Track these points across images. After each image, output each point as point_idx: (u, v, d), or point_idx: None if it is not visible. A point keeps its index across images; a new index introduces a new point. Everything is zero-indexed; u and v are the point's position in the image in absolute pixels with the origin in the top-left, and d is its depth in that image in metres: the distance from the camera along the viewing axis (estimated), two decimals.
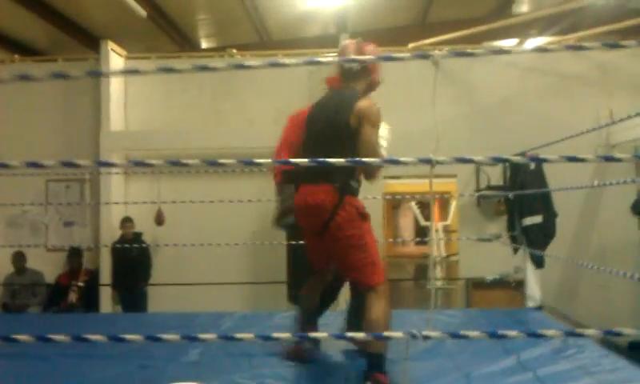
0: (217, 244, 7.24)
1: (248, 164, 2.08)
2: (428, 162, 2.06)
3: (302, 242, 4.44)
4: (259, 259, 9.08)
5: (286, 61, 2.40)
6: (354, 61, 3.82)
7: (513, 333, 1.93)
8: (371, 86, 4.01)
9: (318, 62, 3.78)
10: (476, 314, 5.71)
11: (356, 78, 3.85)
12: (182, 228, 8.75)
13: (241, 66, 2.48)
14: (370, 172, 3.68)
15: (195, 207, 7.49)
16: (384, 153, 3.88)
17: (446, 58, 2.14)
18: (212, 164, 2.20)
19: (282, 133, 4.43)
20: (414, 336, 1.84)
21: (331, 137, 3.62)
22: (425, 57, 2.14)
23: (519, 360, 3.88)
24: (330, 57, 8.52)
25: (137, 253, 8.20)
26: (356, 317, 3.85)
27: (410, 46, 9.32)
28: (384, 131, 4.00)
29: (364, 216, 3.65)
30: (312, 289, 4.18)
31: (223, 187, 8.39)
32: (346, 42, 4.02)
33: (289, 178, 4.12)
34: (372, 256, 3.59)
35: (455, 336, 1.92)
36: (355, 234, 3.57)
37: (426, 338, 1.83)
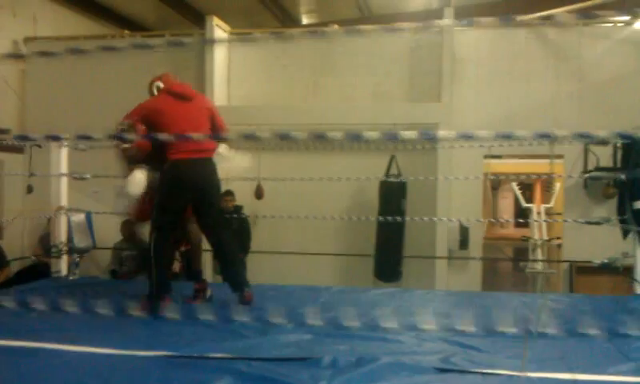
0: (313, 217, 7.35)
1: (355, 138, 2.03)
2: (546, 137, 1.93)
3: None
4: (352, 236, 9.13)
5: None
6: None
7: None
8: None
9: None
10: (581, 300, 5.48)
11: None
12: (280, 202, 8.88)
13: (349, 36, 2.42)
14: None
15: (292, 182, 7.58)
16: None
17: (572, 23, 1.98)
18: (319, 137, 2.18)
19: None
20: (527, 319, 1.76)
21: None
22: (549, 21, 1.99)
23: (623, 349, 3.70)
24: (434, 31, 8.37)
25: (237, 225, 8.39)
26: None
27: (518, 19, 8.98)
28: None
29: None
30: None
31: (319, 163, 8.46)
32: None
33: None
34: None
35: (568, 318, 1.82)
36: None
37: (540, 319, 1.74)
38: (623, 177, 6.11)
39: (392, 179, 8.38)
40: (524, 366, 2.61)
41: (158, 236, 4.85)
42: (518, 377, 3.11)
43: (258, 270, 8.85)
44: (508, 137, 1.93)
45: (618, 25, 8.83)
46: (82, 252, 6.22)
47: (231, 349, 3.68)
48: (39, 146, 6.20)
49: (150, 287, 4.81)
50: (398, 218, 7.79)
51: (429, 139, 4.56)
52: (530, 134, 1.96)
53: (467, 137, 2.12)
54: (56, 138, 2.36)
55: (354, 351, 3.62)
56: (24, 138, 2.27)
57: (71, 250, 6.10)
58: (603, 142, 7.32)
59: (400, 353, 3.64)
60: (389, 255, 8.41)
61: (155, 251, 4.84)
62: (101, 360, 3.52)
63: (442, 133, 2.20)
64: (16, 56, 6.13)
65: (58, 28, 10.26)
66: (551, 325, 4.03)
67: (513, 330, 4.01)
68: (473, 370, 3.32)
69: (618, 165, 7.61)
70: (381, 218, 7.94)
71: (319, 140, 2.28)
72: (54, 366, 3.41)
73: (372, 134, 2.04)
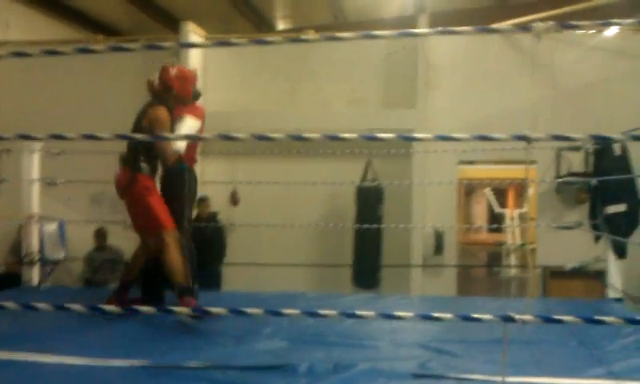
0: (290, 225, 7.33)
1: (332, 138, 2.02)
2: (524, 139, 1.94)
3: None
4: (327, 241, 9.13)
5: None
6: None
7: (610, 319, 1.82)
8: (178, 98, 4.92)
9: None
10: (554, 304, 5.55)
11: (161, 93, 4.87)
12: (256, 209, 8.85)
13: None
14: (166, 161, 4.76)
15: (269, 189, 7.57)
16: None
17: (548, 31, 2.00)
18: (297, 138, 2.16)
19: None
20: (510, 319, 1.77)
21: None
22: (526, 30, 2.02)
23: (595, 353, 3.75)
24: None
25: (211, 232, 8.33)
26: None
27: (493, 27, 9.05)
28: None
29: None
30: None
31: (296, 169, 8.43)
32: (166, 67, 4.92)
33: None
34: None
35: (549, 321, 1.84)
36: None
37: (524, 322, 1.75)
38: (595, 182, 6.19)
39: (369, 184, 8.40)
40: (504, 370, 2.61)
41: (180, 241, 4.75)
42: (498, 382, 3.13)
43: (234, 278, 8.80)
44: (485, 138, 1.95)
45: (590, 32, 8.95)
46: (53, 263, 6.12)
47: (207, 357, 3.66)
48: (8, 150, 6.07)
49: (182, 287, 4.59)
50: (376, 225, 7.83)
51: (408, 140, 4.51)
52: (506, 136, 1.97)
53: (445, 138, 2.14)
54: (29, 138, 2.33)
55: (331, 358, 3.62)
56: None
57: (43, 261, 6.00)
58: (576, 148, 7.42)
59: (377, 359, 3.64)
60: (367, 262, 8.43)
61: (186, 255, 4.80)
62: (75, 370, 3.48)
63: (419, 134, 2.18)
64: None
65: (31, 33, 10.13)
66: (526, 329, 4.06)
67: (488, 336, 4.05)
68: (450, 376, 3.33)
69: (590, 170, 7.70)
70: (359, 225, 7.96)
71: (297, 140, 2.29)
72: (27, 378, 3.36)
73: (348, 135, 2.05)
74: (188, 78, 4.95)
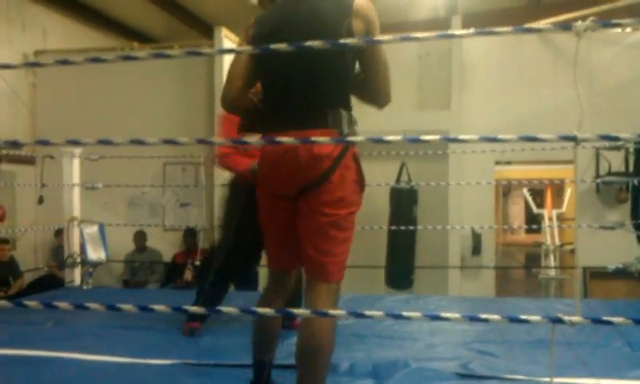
0: None
1: (377, 141, 2.00)
2: (572, 139, 1.91)
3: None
4: (362, 242, 9.07)
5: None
6: None
7: None
8: None
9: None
10: (596, 305, 5.44)
11: None
12: None
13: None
14: (386, 98, 2.71)
15: None
16: None
17: (589, 30, 1.96)
18: (339, 141, 2.13)
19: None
20: (559, 321, 1.74)
21: (326, 53, 2.36)
22: (566, 29, 1.99)
23: None
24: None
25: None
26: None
27: (527, 27, 8.96)
28: None
29: (362, 182, 2.65)
30: (271, 301, 2.88)
31: None
32: None
33: (251, 125, 2.82)
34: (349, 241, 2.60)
35: (598, 322, 1.81)
36: (353, 203, 2.57)
37: (573, 324, 1.72)
38: (637, 181, 6.09)
39: (403, 186, 8.36)
40: (552, 371, 2.57)
41: None
42: (545, 382, 3.09)
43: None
44: (530, 139, 1.91)
45: (627, 31, 8.80)
46: (95, 264, 6.22)
47: (246, 356, 3.67)
48: (52, 157, 6.20)
49: None
50: (410, 227, 7.79)
51: (449, 141, 4.46)
52: (552, 136, 1.94)
53: (488, 139, 2.10)
54: (75, 143, 2.36)
55: (371, 358, 3.60)
56: (43, 142, 2.27)
57: (84, 262, 6.11)
58: (616, 147, 7.28)
59: (417, 359, 3.61)
60: (400, 263, 8.38)
61: None
62: (116, 369, 3.52)
63: (461, 136, 2.08)
64: (31, 64, 6.09)
65: (67, 41, 10.29)
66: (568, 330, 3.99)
67: (528, 337, 4.00)
68: (495, 376, 3.29)
69: (630, 169, 7.57)
70: (393, 227, 7.92)
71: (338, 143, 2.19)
72: (69, 376, 3.41)
73: (392, 138, 2.02)
74: None
